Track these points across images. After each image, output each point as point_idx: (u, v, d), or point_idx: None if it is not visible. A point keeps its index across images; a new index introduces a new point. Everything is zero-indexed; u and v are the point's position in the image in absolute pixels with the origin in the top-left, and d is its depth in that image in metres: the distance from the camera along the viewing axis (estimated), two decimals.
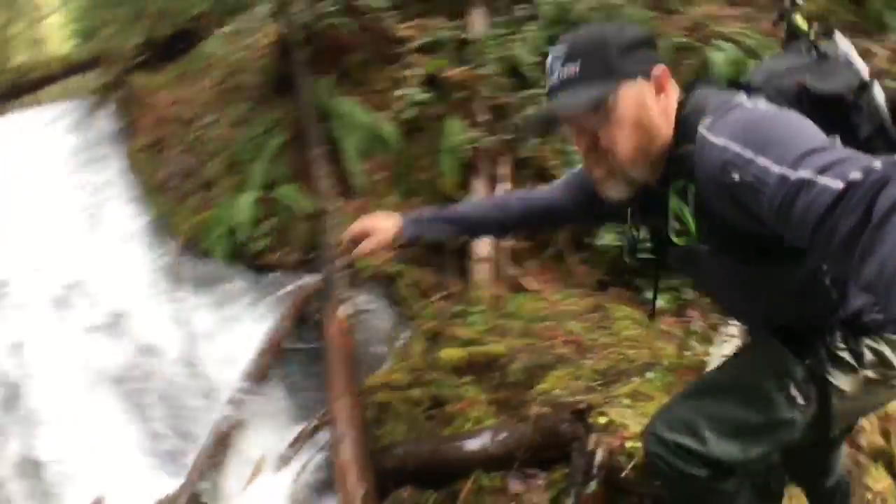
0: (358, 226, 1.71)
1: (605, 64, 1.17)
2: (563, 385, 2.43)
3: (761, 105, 1.10)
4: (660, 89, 1.21)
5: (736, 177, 0.98)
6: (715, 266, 1.29)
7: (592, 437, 2.03)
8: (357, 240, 1.70)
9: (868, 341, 1.31)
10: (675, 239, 1.22)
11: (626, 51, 1.19)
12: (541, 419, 2.23)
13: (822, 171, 0.85)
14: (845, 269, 0.82)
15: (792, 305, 1.32)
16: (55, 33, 11.56)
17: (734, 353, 1.58)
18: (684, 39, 4.19)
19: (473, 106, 4.27)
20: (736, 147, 1.00)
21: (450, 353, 2.96)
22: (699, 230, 1.18)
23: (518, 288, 3.71)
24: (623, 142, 1.18)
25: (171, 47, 7.76)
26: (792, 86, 1.16)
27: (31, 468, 3.24)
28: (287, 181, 4.50)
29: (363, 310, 3.68)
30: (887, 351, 1.31)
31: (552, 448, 2.25)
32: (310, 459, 2.90)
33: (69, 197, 5.15)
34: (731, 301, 1.50)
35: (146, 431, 3.41)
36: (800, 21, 1.36)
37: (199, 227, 4.46)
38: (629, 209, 1.39)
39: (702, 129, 1.10)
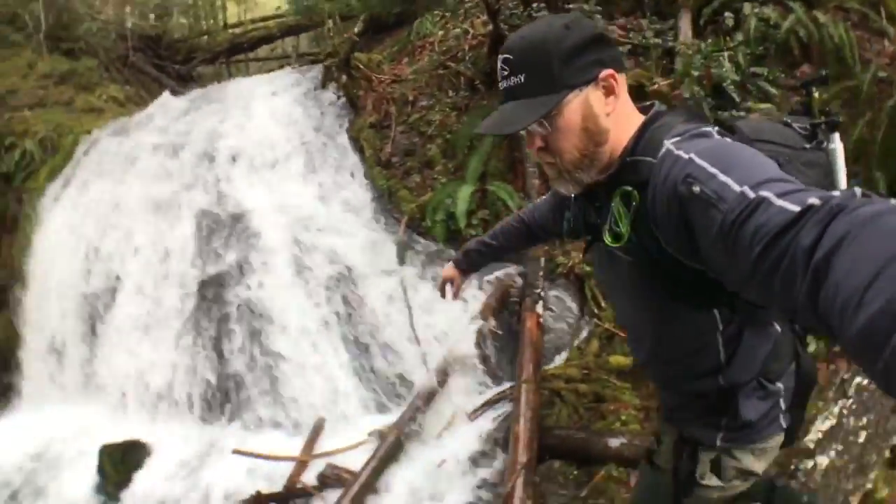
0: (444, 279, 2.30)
1: (548, 76, 1.24)
2: None
3: (727, 139, 1.22)
4: (609, 92, 1.28)
5: (696, 189, 1.06)
6: (628, 282, 1.43)
7: None
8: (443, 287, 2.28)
9: (732, 462, 1.54)
10: (607, 239, 1.33)
11: (570, 58, 1.24)
12: None
13: (782, 195, 0.92)
14: (789, 295, 0.84)
15: (679, 351, 1.48)
16: None
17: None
18: (884, 74, 4.23)
19: None
20: (702, 162, 1.09)
21: (617, 360, 3.88)
22: (630, 239, 1.28)
23: None
24: (569, 148, 1.29)
25: (387, 20, 8.79)
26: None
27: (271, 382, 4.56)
28: (499, 176, 5.43)
29: (554, 304, 4.51)
30: (747, 461, 1.54)
31: None
32: (491, 421, 3.87)
33: (304, 167, 6.27)
34: (630, 322, 1.66)
35: (366, 378, 4.56)
36: (815, 101, 1.52)
37: (422, 207, 5.49)
38: (574, 196, 1.52)
39: (668, 143, 1.20)
